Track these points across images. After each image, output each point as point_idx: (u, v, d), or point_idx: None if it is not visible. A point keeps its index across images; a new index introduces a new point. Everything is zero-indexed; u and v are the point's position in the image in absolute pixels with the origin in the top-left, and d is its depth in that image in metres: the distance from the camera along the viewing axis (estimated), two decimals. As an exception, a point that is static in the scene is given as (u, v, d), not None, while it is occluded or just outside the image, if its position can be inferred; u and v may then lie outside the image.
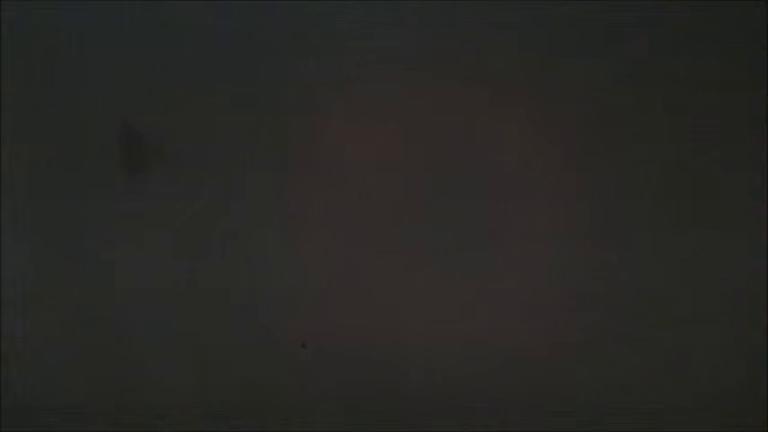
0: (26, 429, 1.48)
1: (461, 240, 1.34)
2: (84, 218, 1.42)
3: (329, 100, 1.34)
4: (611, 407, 1.35)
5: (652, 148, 1.29)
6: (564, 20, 1.29)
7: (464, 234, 1.34)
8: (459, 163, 1.33)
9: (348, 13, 1.32)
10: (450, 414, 1.39)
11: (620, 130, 1.30)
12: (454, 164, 1.33)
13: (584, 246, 1.32)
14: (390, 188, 1.35)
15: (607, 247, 1.32)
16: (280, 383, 1.41)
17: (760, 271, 1.30)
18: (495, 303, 1.35)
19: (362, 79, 1.33)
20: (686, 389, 1.34)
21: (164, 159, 1.38)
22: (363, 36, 1.32)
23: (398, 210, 1.36)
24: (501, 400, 1.37)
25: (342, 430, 1.41)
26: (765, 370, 1.32)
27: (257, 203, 1.38)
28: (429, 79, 1.32)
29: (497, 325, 1.35)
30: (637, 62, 1.28)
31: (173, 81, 1.37)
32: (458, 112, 1.33)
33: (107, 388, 1.45)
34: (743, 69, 1.26)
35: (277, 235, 1.38)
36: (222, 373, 1.42)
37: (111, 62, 1.38)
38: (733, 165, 1.28)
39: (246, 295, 1.40)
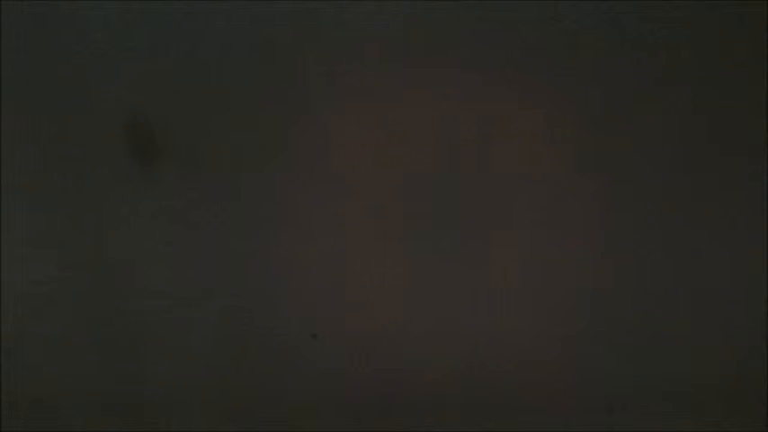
0: (26, 429, 1.48)
1: (464, 238, 1.35)
2: (92, 213, 1.42)
3: (333, 98, 1.34)
4: (611, 404, 1.36)
5: (653, 147, 1.30)
6: (563, 19, 1.29)
7: (467, 232, 1.35)
8: (461, 162, 1.34)
9: (350, 10, 1.33)
10: (450, 412, 1.39)
11: (621, 129, 1.30)
12: (456, 163, 1.34)
13: (584, 243, 1.33)
14: (392, 187, 1.35)
15: (607, 247, 1.33)
16: (286, 379, 1.41)
17: (760, 270, 1.30)
18: (498, 301, 1.35)
19: (365, 77, 1.33)
20: (686, 387, 1.34)
21: (173, 156, 1.38)
22: (367, 33, 1.32)
23: (400, 208, 1.36)
24: (502, 397, 1.37)
25: (343, 429, 1.41)
26: (765, 368, 1.32)
27: (261, 201, 1.38)
28: (431, 77, 1.32)
29: (500, 322, 1.36)
30: (637, 62, 1.28)
31: (179, 78, 1.37)
32: (460, 111, 1.33)
33: (115, 384, 1.45)
34: (743, 69, 1.26)
35: (285, 232, 1.38)
36: (228, 369, 1.42)
37: (120, 57, 1.38)
38: (733, 164, 1.29)
39: (253, 291, 1.40)
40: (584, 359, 1.35)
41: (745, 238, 1.30)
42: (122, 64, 1.36)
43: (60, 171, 1.41)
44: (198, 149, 1.37)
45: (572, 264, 1.33)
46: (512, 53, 1.30)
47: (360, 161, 1.35)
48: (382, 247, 1.36)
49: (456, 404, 1.39)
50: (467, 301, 1.36)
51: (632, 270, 1.33)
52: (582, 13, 1.28)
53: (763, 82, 1.26)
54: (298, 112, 1.35)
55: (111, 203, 1.40)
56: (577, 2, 1.28)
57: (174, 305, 1.41)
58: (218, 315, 1.41)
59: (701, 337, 1.33)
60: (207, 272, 1.40)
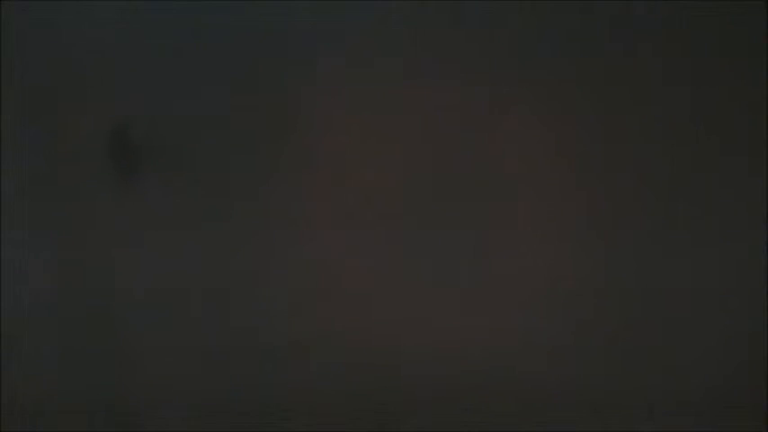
0: (26, 429, 1.48)
1: (462, 241, 1.35)
2: (80, 220, 1.42)
3: (329, 98, 1.35)
4: (612, 405, 1.36)
5: (652, 148, 1.30)
6: (562, 18, 1.29)
7: (464, 235, 1.35)
8: (460, 163, 1.34)
9: (349, 10, 1.33)
10: (447, 414, 1.39)
11: (619, 129, 1.30)
12: (455, 164, 1.34)
13: (583, 245, 1.33)
14: (390, 188, 1.36)
15: (606, 246, 1.33)
16: (279, 384, 1.42)
17: (760, 271, 1.30)
18: (496, 304, 1.35)
19: (364, 77, 1.33)
20: (685, 389, 1.34)
21: (159, 160, 1.38)
22: (365, 34, 1.33)
23: (398, 210, 1.36)
24: (498, 400, 1.38)
25: (341, 430, 1.42)
26: (765, 371, 1.32)
27: (255, 204, 1.38)
28: (430, 77, 1.32)
29: (497, 326, 1.36)
30: (635, 61, 1.28)
31: (169, 80, 1.37)
32: (460, 111, 1.33)
33: (105, 388, 1.46)
34: (743, 69, 1.26)
35: (276, 235, 1.38)
36: (222, 374, 1.43)
37: (105, 61, 1.38)
38: (733, 164, 1.28)
39: (245, 296, 1.40)
40: (583, 360, 1.35)
41: (745, 239, 1.30)
42: (109, 66, 1.37)
43: (46, 174, 1.41)
44: (187, 150, 1.38)
45: (571, 265, 1.33)
46: (510, 53, 1.30)
47: (354, 161, 1.35)
48: (378, 247, 1.36)
49: (455, 406, 1.39)
50: (466, 302, 1.36)
51: (632, 270, 1.33)
52: (581, 12, 1.28)
53: (764, 82, 1.26)
54: (291, 112, 1.35)
55: (101, 204, 1.41)
56: (576, 2, 1.28)
57: (161, 307, 1.42)
58: (208, 317, 1.41)
59: (701, 337, 1.33)
60: (198, 274, 1.41)
